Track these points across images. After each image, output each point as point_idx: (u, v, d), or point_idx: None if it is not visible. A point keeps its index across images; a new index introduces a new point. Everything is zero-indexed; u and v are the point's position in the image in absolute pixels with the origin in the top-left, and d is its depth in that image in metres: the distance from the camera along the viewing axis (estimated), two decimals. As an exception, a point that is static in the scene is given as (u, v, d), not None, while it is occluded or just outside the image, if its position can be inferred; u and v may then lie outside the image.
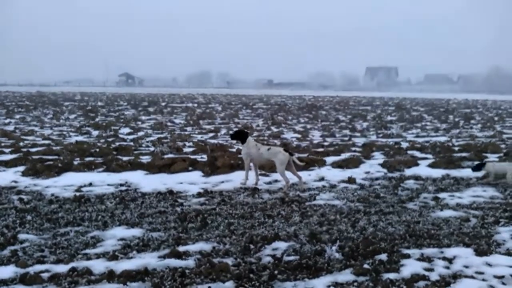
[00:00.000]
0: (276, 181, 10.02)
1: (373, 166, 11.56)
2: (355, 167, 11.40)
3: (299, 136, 18.17)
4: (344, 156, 12.65)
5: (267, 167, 10.75)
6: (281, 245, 6.19)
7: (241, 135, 9.83)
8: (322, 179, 10.25)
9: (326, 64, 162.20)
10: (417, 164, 11.69)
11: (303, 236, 6.50)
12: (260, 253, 5.93)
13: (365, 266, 5.50)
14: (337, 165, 11.54)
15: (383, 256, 5.80)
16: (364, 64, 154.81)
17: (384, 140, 17.16)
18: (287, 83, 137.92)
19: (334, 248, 5.93)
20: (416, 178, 10.48)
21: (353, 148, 14.41)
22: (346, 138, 17.52)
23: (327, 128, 21.48)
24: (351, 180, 10.00)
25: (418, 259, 5.75)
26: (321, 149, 14.02)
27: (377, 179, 10.41)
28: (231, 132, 10.28)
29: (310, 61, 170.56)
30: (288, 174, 9.34)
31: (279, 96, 66.88)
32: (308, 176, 10.41)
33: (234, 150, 13.57)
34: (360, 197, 8.72)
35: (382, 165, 11.60)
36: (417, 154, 13.48)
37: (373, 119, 27.70)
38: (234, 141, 12.13)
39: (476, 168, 10.48)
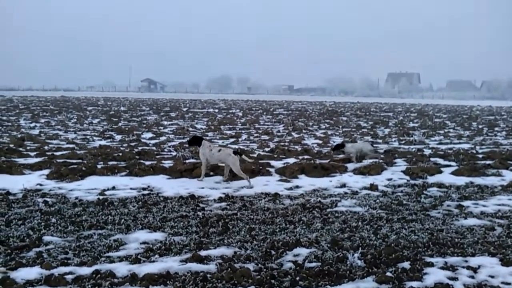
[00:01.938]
0: (297, 187, 10.01)
1: (396, 173, 11.45)
2: (377, 174, 11.31)
3: (320, 142, 18.10)
4: (366, 162, 12.55)
5: (288, 174, 10.81)
6: (303, 251, 6.18)
7: (196, 140, 10.93)
8: (343, 185, 10.19)
9: (346, 70, 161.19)
10: (441, 172, 11.54)
11: (325, 243, 6.47)
12: (281, 259, 5.92)
13: (388, 274, 5.45)
14: (359, 171, 11.47)
15: (406, 264, 5.75)
16: (385, 70, 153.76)
17: (407, 147, 16.98)
18: (308, 88, 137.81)
19: (356, 255, 5.88)
20: (440, 185, 10.35)
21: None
22: (368, 145, 17.36)
23: (348, 134, 21.37)
24: (373, 187, 9.92)
25: (442, 268, 5.68)
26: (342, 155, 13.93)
27: (399, 186, 10.31)
28: (186, 138, 11.26)
29: (331, 66, 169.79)
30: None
31: (300, 102, 66.86)
32: (329, 183, 10.38)
33: (255, 155, 13.61)
34: (383, 204, 8.64)
35: (405, 172, 11.48)
36: (440, 161, 13.30)
37: (395, 125, 27.46)
38: (191, 147, 12.83)
39: (335, 148, 12.75)
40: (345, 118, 32.80)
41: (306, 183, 10.33)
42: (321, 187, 9.97)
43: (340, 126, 25.76)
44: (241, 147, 15.60)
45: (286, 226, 7.26)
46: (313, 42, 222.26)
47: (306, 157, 13.48)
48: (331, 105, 56.22)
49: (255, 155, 13.73)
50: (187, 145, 12.71)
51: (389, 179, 10.84)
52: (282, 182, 10.40)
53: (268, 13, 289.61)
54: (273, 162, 12.43)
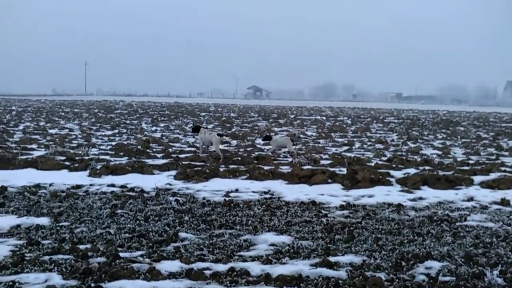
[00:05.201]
0: (421, 198, 9.71)
1: (529, 189, 10.63)
2: (508, 189, 10.56)
3: (439, 152, 17.31)
4: (494, 176, 11.79)
5: (410, 184, 10.54)
6: (435, 264, 5.99)
7: (196, 128, 14.95)
8: (471, 199, 9.68)
9: (458, 77, 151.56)
10: None
11: (458, 257, 6.21)
12: (412, 271, 5.79)
13: (532, 295, 5.12)
14: (487, 185, 10.80)
15: (553, 287, 5.35)
16: (503, 77, 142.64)
17: (538, 160, 15.65)
18: (417, 96, 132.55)
19: (495, 272, 5.59)
20: None
21: (503, 168, 13.35)
22: (493, 157, 16.29)
23: (469, 145, 20.20)
24: (504, 202, 9.31)
25: None
26: (466, 168, 13.25)
27: (535, 203, 9.56)
28: (191, 127, 19.78)
29: (441, 73, 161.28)
30: None
31: (410, 110, 64.48)
32: (455, 196, 9.92)
33: (372, 164, 13.40)
34: (517, 221, 8.08)
35: (540, 188, 10.62)
36: None
37: (520, 137, 25.47)
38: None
39: (264, 139, 15.21)
40: (462, 128, 31.07)
41: (430, 195, 9.97)
42: (446, 200, 9.56)
43: (459, 137, 24.42)
44: (357, 155, 15.43)
45: (414, 237, 7.07)
46: (421, 47, 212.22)
47: (427, 168, 12.99)
48: (445, 114, 53.54)
49: (372, 164, 13.51)
50: (192, 132, 17.90)
51: (522, 195, 10.09)
52: (404, 192, 10.14)
53: (369, 17, 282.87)
54: (392, 172, 12.13)
